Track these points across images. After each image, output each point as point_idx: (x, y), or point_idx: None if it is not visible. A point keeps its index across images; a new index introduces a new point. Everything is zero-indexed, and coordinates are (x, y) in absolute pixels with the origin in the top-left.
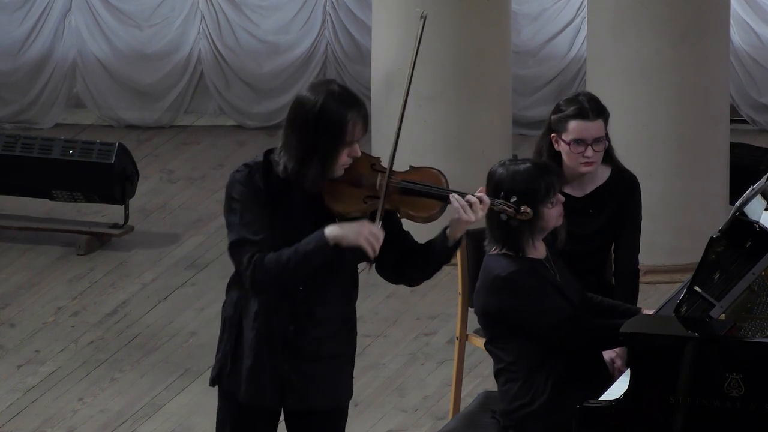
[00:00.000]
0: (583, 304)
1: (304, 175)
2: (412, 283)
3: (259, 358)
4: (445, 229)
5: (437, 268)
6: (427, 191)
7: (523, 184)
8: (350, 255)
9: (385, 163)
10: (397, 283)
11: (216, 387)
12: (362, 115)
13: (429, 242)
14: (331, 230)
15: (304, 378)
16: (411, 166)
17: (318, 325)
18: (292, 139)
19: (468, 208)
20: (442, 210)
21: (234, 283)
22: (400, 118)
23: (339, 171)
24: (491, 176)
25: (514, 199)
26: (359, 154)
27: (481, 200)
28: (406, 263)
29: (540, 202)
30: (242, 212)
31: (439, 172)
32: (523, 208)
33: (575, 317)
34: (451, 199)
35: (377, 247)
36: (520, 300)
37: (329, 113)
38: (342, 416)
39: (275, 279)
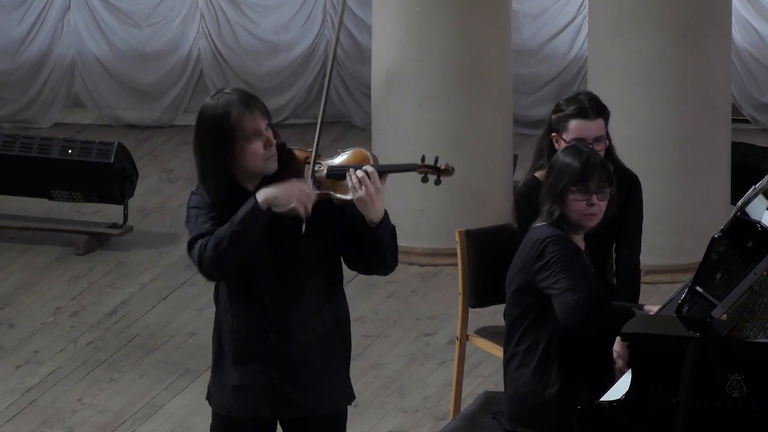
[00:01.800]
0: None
1: (209, 190)
2: (377, 271)
3: (243, 373)
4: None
5: (383, 252)
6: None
7: (564, 159)
8: (288, 221)
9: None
10: (370, 273)
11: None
12: (248, 106)
13: (359, 233)
14: (262, 192)
15: (298, 386)
16: (338, 151)
17: (301, 329)
18: (197, 157)
19: (359, 185)
20: None
21: (215, 302)
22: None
23: (266, 165)
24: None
25: (436, 158)
26: (274, 141)
27: (368, 173)
28: (368, 251)
29: (567, 181)
30: (197, 217)
31: (367, 151)
32: (444, 165)
33: (595, 301)
34: (347, 176)
35: (309, 206)
36: (553, 263)
37: (214, 117)
38: (341, 421)
39: (220, 256)
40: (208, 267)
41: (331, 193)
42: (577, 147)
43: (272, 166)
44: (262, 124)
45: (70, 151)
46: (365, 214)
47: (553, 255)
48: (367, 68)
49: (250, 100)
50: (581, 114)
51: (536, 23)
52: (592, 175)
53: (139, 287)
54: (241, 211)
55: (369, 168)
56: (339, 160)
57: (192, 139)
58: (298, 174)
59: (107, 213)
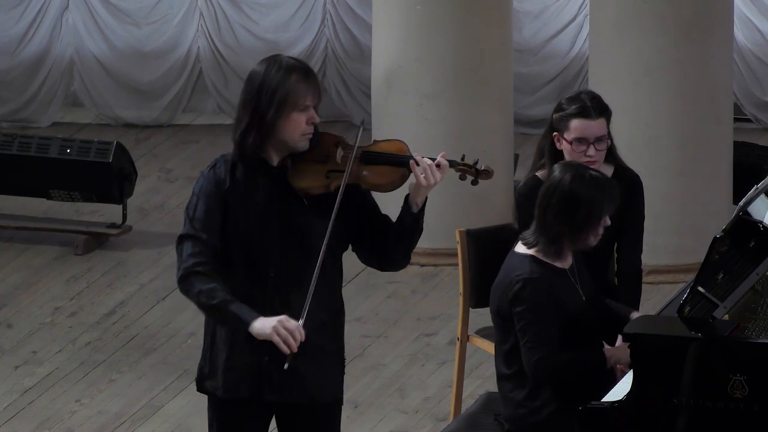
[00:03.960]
0: (596, 314)
1: (245, 144)
2: (395, 264)
3: (233, 348)
4: (407, 197)
5: (411, 242)
6: (386, 159)
7: (588, 191)
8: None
9: (349, 141)
10: (383, 269)
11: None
12: (308, 79)
13: (398, 217)
14: (259, 324)
15: (283, 371)
16: (375, 140)
17: (299, 315)
18: (240, 113)
19: (427, 172)
20: (404, 176)
21: None
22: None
23: (301, 141)
24: (547, 181)
25: (476, 160)
26: (317, 119)
27: (439, 165)
28: (386, 245)
29: (603, 214)
30: (196, 207)
31: (403, 142)
32: (484, 167)
33: (555, 357)
34: (410, 164)
35: (291, 342)
36: (530, 310)
37: (271, 77)
38: (330, 416)
39: (193, 300)
40: (183, 291)
41: (363, 177)
42: (586, 173)
43: (304, 144)
44: (313, 101)
45: (68, 151)
46: (414, 197)
47: (527, 304)
48: (367, 67)
49: (311, 73)
50: (583, 113)
51: (537, 22)
52: (614, 201)
53: (138, 287)
54: (237, 313)
55: (443, 161)
56: (374, 147)
57: (240, 98)
58: (322, 155)
59: (106, 213)
